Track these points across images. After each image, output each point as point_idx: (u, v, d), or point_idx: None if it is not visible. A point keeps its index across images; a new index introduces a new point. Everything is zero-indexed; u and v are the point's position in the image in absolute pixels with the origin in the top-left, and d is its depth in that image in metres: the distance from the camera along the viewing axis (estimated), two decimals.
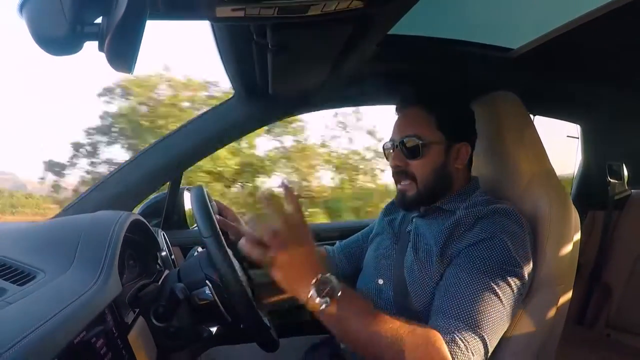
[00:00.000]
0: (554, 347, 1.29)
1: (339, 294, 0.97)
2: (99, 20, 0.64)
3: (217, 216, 1.34)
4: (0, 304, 0.73)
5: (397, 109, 1.36)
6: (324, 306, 0.95)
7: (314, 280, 0.95)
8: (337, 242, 1.67)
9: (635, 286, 2.18)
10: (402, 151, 1.28)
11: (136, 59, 0.65)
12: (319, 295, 0.95)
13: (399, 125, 1.33)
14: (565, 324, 1.30)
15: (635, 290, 2.18)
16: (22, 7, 0.61)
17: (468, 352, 0.99)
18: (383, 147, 1.38)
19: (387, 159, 1.37)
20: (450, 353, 0.97)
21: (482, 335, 1.02)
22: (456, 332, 1.00)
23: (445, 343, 0.98)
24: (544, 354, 1.25)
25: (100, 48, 0.63)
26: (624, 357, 2.00)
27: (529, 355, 1.21)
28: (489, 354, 1.05)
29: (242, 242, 0.98)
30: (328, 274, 0.97)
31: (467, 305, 1.04)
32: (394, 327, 0.98)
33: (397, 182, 1.34)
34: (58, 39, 0.61)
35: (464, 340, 0.99)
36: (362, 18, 0.97)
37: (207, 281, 1.08)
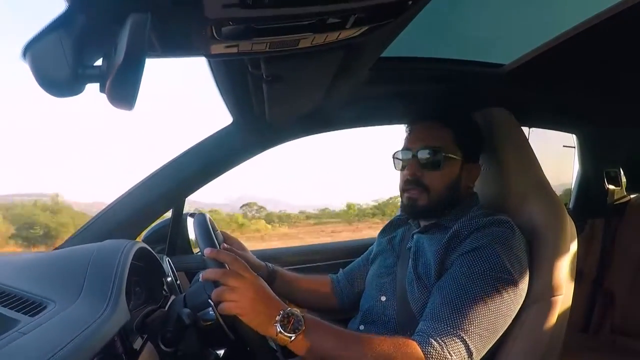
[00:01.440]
0: (556, 357, 1.29)
1: (304, 324, 1.00)
2: (99, 62, 0.68)
3: (225, 244, 1.37)
4: (15, 335, 0.75)
5: (411, 123, 1.39)
6: (292, 338, 0.98)
7: (277, 317, 0.99)
8: (340, 269, 1.68)
9: (638, 290, 2.18)
10: (419, 161, 1.29)
11: (136, 96, 0.67)
12: (285, 329, 0.99)
13: (416, 136, 1.34)
14: (569, 332, 1.30)
15: (639, 295, 2.18)
16: (25, 52, 0.64)
17: (444, 352, 1.00)
18: (393, 156, 1.39)
19: (396, 167, 1.39)
20: (424, 354, 1.00)
21: (463, 337, 1.03)
22: (433, 333, 1.03)
23: (420, 344, 1.01)
24: None
25: (102, 89, 0.66)
26: None
27: None
28: (478, 358, 1.06)
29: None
30: (289, 308, 1.02)
31: (449, 308, 1.06)
32: (365, 343, 1.02)
33: (405, 190, 1.34)
34: (61, 81, 0.64)
35: (440, 341, 1.01)
36: (353, 45, 0.99)
37: (210, 301, 1.10)
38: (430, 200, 1.29)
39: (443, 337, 1.02)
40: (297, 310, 1.02)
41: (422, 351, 1.00)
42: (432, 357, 1.00)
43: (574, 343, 1.42)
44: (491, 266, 1.10)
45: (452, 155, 1.28)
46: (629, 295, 2.23)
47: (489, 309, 1.07)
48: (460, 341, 1.03)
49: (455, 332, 1.03)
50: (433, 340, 1.02)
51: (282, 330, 0.98)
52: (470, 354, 1.03)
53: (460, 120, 1.34)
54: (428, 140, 1.30)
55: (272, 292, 1.06)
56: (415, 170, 1.30)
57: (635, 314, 2.19)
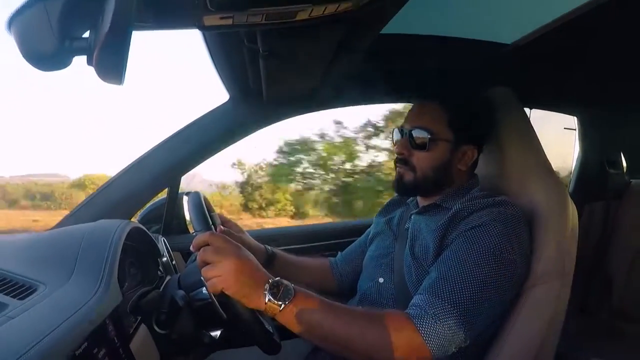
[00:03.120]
0: (555, 340, 1.29)
1: (294, 293, 0.98)
2: (86, 34, 0.65)
3: (221, 227, 1.35)
4: (2, 319, 0.73)
5: (410, 102, 1.37)
6: (282, 307, 0.96)
7: (266, 286, 0.97)
8: (339, 252, 1.67)
9: (636, 274, 2.19)
10: (409, 140, 1.29)
11: (125, 70, 0.65)
12: (274, 297, 0.96)
13: (412, 115, 1.34)
14: (567, 315, 1.30)
15: (637, 279, 2.18)
16: (10, 24, 0.61)
17: (437, 326, 0.99)
18: (392, 132, 1.39)
19: (394, 144, 1.39)
20: (418, 327, 0.99)
21: (458, 313, 1.01)
22: (428, 307, 1.02)
23: (413, 318, 1.00)
24: (546, 347, 1.25)
25: (89, 62, 0.63)
26: (627, 345, 2.00)
27: (531, 348, 1.21)
28: (472, 335, 1.05)
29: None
30: (278, 278, 1.00)
31: (446, 283, 1.05)
32: (357, 315, 1.02)
33: (396, 167, 1.35)
34: (47, 54, 0.62)
35: (434, 316, 1.00)
36: (353, 20, 0.96)
37: (203, 280, 1.09)
38: (415, 179, 1.30)
39: (438, 311, 1.01)
40: (286, 281, 1.00)
41: (416, 325, 0.99)
42: (425, 331, 0.99)
43: (571, 326, 1.41)
44: (491, 244, 1.09)
45: (443, 138, 1.27)
46: (626, 279, 2.24)
47: (487, 287, 1.05)
48: (455, 317, 1.01)
49: (450, 307, 1.02)
50: (427, 315, 1.01)
51: (271, 298, 0.96)
52: (464, 330, 1.02)
53: (457, 102, 1.32)
54: (420, 121, 1.30)
55: (256, 262, 1.03)
56: (403, 149, 1.31)
57: (632, 298, 2.20)
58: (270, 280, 0.98)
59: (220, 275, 0.97)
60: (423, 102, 1.34)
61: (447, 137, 1.27)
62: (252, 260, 1.02)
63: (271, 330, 1.15)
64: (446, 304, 1.02)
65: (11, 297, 0.83)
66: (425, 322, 0.99)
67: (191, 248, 1.05)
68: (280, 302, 0.96)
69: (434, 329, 0.99)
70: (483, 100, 1.41)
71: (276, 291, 0.97)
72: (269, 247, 1.50)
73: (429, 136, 1.26)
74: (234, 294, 0.97)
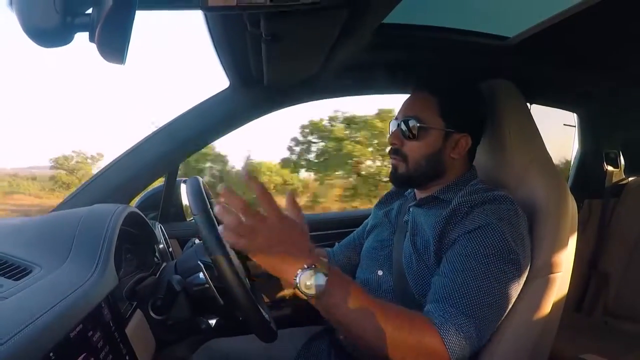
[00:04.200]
0: (552, 335, 1.29)
1: (327, 283, 0.92)
2: (89, 11, 0.64)
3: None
4: None
5: (407, 92, 1.38)
6: (313, 289, 0.91)
7: (304, 265, 0.91)
8: (337, 243, 1.67)
9: (633, 273, 2.19)
10: (401, 130, 1.30)
11: (127, 49, 0.64)
12: (307, 277, 0.90)
13: (404, 106, 1.35)
14: (563, 311, 1.30)
15: (633, 277, 2.19)
16: (11, 0, 0.60)
17: (461, 338, 0.99)
18: (389, 123, 1.39)
19: (388, 135, 1.39)
20: (444, 340, 0.98)
21: (476, 322, 1.02)
22: (450, 319, 1.01)
23: (439, 330, 0.99)
24: (542, 342, 1.26)
25: (91, 39, 0.63)
26: (622, 343, 2.01)
27: (528, 343, 1.21)
28: (485, 340, 1.06)
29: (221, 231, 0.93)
30: (312, 263, 0.92)
31: (462, 292, 1.04)
32: (388, 313, 0.99)
33: (390, 158, 1.35)
34: (49, 30, 0.61)
35: (457, 327, 0.99)
36: (356, 6, 0.96)
37: (199, 263, 1.08)
38: (408, 169, 1.30)
39: (459, 321, 1.01)
40: (323, 265, 0.93)
41: (441, 334, 0.98)
42: (449, 341, 0.98)
43: (567, 323, 1.41)
44: (498, 247, 1.08)
45: (433, 126, 1.27)
46: (623, 277, 2.24)
47: (498, 292, 1.06)
48: (474, 326, 1.01)
49: (470, 318, 1.02)
50: (451, 326, 1.00)
51: (304, 280, 0.90)
52: (479, 337, 1.03)
53: (449, 90, 1.32)
54: (411, 111, 1.31)
55: (308, 243, 0.96)
56: (395, 139, 1.32)
57: (628, 296, 2.20)
58: (305, 266, 0.91)
59: (269, 237, 0.90)
60: (415, 93, 1.35)
61: (438, 125, 1.27)
62: (306, 238, 0.96)
63: (268, 318, 1.15)
64: (465, 317, 1.01)
65: (6, 277, 0.83)
66: (449, 333, 0.99)
67: (198, 225, 1.00)
68: (309, 292, 0.91)
69: (456, 340, 0.99)
70: (475, 88, 1.40)
71: (308, 276, 0.91)
72: None
73: (418, 125, 1.27)
74: (270, 262, 0.92)
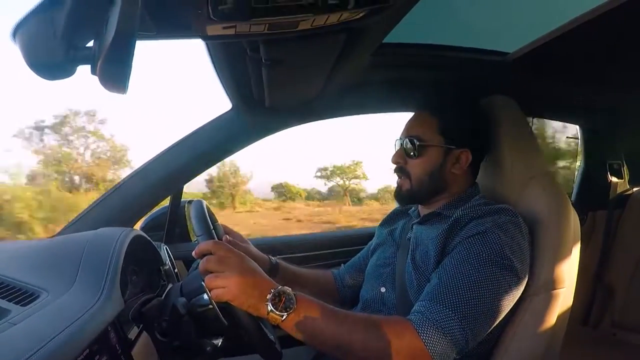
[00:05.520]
0: (557, 349, 1.29)
1: (296, 302, 0.99)
2: (90, 44, 0.65)
3: (226, 236, 1.37)
4: (4, 326, 0.73)
5: (409, 111, 1.44)
6: (284, 317, 0.98)
7: (268, 296, 0.98)
8: (342, 264, 1.68)
9: (638, 284, 2.18)
10: (403, 149, 1.33)
11: (129, 80, 0.65)
12: (276, 308, 0.98)
13: (406, 126, 1.38)
14: (569, 325, 1.30)
15: (639, 288, 2.17)
16: (15, 33, 0.62)
17: (439, 334, 1.00)
18: (394, 144, 1.41)
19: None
20: (421, 335, 0.99)
21: (459, 321, 1.02)
22: (430, 315, 1.02)
23: (416, 326, 1.00)
24: (549, 356, 1.25)
25: (93, 71, 0.63)
26: (630, 355, 1.99)
27: (534, 357, 1.21)
28: (472, 343, 1.05)
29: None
30: (280, 287, 1.00)
31: (448, 290, 1.06)
32: (359, 321, 1.02)
33: (397, 176, 1.38)
34: (52, 64, 0.63)
35: (436, 324, 1.00)
36: (355, 28, 0.97)
37: (203, 284, 1.09)
38: (412, 186, 1.34)
39: (438, 317, 1.02)
40: (288, 289, 1.01)
41: (417, 331, 1.00)
42: (426, 337, 0.99)
43: (574, 336, 1.41)
44: (492, 252, 1.10)
45: (433, 143, 1.31)
46: (629, 289, 2.23)
47: (488, 295, 1.06)
48: (456, 322, 1.02)
49: (451, 313, 1.02)
50: (428, 321, 1.01)
51: (273, 309, 0.97)
52: (465, 335, 1.02)
53: (447, 108, 1.36)
54: (411, 130, 1.35)
55: (260, 272, 1.05)
56: (398, 158, 1.36)
57: (635, 308, 2.19)
58: (272, 290, 0.99)
59: (224, 287, 0.98)
60: (415, 113, 1.40)
61: (438, 142, 1.30)
62: (256, 270, 1.04)
63: (272, 339, 1.15)
64: (447, 310, 1.02)
65: (14, 303, 0.84)
66: (427, 328, 1.00)
67: (193, 254, 1.05)
68: (282, 313, 0.97)
69: (435, 335, 0.99)
70: (473, 104, 1.42)
71: (278, 301, 0.98)
72: (273, 258, 1.50)
73: (418, 143, 1.30)
74: (239, 305, 0.99)
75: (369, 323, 1.02)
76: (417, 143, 1.30)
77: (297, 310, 0.99)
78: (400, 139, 1.36)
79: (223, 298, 0.98)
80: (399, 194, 1.38)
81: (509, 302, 1.11)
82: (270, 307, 0.97)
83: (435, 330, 1.00)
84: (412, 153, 1.32)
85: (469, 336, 1.02)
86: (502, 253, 1.10)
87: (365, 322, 1.03)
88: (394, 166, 1.38)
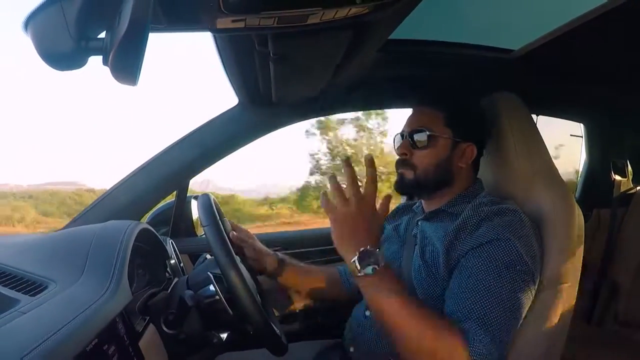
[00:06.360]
0: (561, 346, 1.28)
1: (379, 268, 1.01)
2: (102, 35, 0.66)
3: (233, 232, 1.38)
4: (14, 314, 0.74)
5: (412, 107, 1.41)
6: (362, 274, 1.01)
7: (362, 248, 1.01)
8: None
9: None
10: (410, 142, 1.31)
11: (140, 71, 0.66)
12: (360, 263, 1.00)
13: (410, 119, 1.36)
14: (573, 322, 1.30)
15: None
16: (27, 24, 0.62)
17: (487, 354, 1.00)
18: (394, 139, 1.41)
19: (395, 149, 1.40)
20: (470, 352, 0.99)
21: (500, 338, 1.02)
22: (476, 336, 1.01)
23: (468, 348, 1.00)
24: (552, 353, 1.25)
25: (105, 62, 0.64)
26: (634, 353, 1.99)
27: (537, 354, 1.21)
28: (504, 350, 1.05)
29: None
30: (378, 250, 1.02)
31: (483, 308, 1.05)
32: (424, 315, 1.03)
33: (398, 170, 1.36)
34: (63, 54, 0.63)
35: (483, 345, 1.00)
36: (362, 24, 0.97)
37: (209, 274, 1.09)
38: (416, 177, 1.31)
39: (484, 339, 1.01)
40: (382, 256, 1.03)
41: (470, 354, 1.00)
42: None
43: (577, 333, 1.40)
44: (512, 260, 1.09)
45: (440, 135, 1.29)
46: (633, 286, 2.22)
47: (515, 304, 1.07)
48: (498, 342, 1.02)
49: (494, 334, 1.02)
50: (479, 342, 1.01)
51: (357, 261, 1.01)
52: (499, 351, 1.03)
53: (454, 103, 1.35)
54: (418, 123, 1.32)
55: (375, 232, 1.07)
56: (405, 150, 1.33)
57: (639, 306, 2.18)
58: (368, 247, 1.02)
59: (343, 219, 1.04)
60: (420, 107, 1.38)
61: (446, 134, 1.29)
62: (378, 228, 1.08)
63: (279, 332, 1.16)
64: (488, 336, 1.02)
65: (23, 293, 0.84)
66: (477, 351, 1.00)
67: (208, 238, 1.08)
68: (362, 270, 1.01)
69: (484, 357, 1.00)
70: (477, 99, 1.42)
71: (367, 257, 1.01)
72: (279, 254, 1.51)
73: (427, 134, 1.28)
74: (338, 234, 1.05)
75: (433, 324, 1.02)
76: (427, 134, 1.28)
77: (377, 274, 1.01)
78: (403, 131, 1.35)
79: (337, 220, 1.05)
80: (401, 183, 1.35)
81: (528, 303, 1.12)
82: (356, 258, 1.01)
83: (483, 351, 1.00)
84: (419, 144, 1.30)
85: (502, 349, 1.04)
86: (520, 259, 1.10)
87: (429, 321, 1.03)
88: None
